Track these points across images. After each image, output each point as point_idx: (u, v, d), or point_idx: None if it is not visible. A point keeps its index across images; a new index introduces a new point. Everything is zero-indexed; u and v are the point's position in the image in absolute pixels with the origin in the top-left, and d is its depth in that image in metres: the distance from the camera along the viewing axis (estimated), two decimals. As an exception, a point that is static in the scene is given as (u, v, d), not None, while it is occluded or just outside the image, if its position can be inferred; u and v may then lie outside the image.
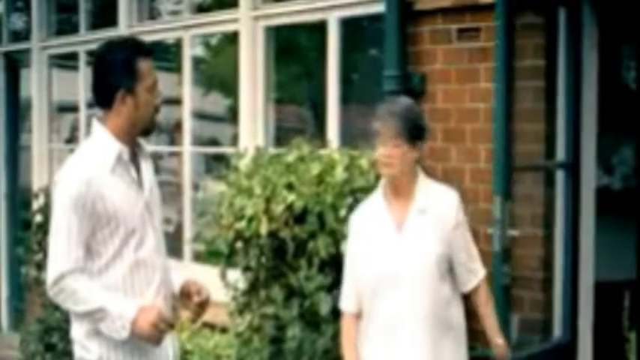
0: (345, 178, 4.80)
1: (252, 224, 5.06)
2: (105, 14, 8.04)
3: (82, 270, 3.35)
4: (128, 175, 3.46)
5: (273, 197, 4.98)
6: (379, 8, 5.32)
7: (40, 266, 7.25)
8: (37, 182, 8.80)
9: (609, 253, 5.45)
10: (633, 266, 6.41)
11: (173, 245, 6.33)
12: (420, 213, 3.54)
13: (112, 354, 3.41)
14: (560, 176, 5.09)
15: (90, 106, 8.11)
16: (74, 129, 8.89)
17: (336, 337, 4.78)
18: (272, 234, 4.99)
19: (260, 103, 6.48)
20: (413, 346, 3.49)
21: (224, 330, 5.74)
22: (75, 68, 8.50)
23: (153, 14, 7.87)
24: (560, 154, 5.05)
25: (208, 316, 3.73)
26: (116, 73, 3.40)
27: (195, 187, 7.31)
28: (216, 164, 7.28)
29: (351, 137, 5.63)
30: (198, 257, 6.96)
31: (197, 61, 7.50)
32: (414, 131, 3.54)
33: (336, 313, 4.78)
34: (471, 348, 3.81)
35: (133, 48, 3.47)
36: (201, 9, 7.35)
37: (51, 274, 3.36)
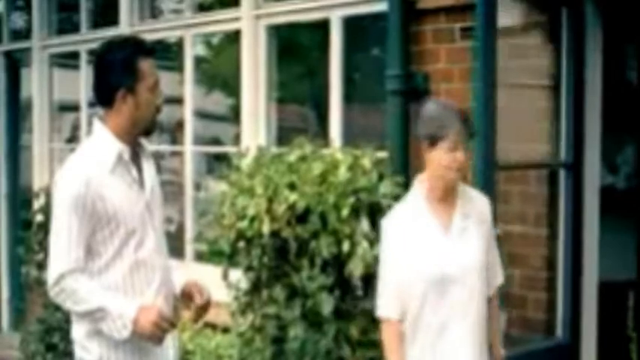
0: (347, 178, 4.78)
1: (254, 224, 5.04)
2: (106, 13, 8.02)
3: (83, 270, 3.34)
4: (129, 175, 3.44)
5: (275, 197, 4.96)
6: (382, 7, 5.30)
7: (41, 266, 7.24)
8: (37, 182, 8.78)
9: (613, 253, 5.44)
10: (634, 266, 6.41)
11: (175, 245, 6.32)
12: (464, 217, 3.52)
13: (113, 354, 3.41)
14: (562, 176, 5.08)
15: (91, 105, 8.09)
16: (75, 128, 8.87)
17: (338, 337, 4.78)
18: (274, 234, 4.97)
19: (262, 103, 6.46)
20: (461, 349, 3.47)
21: (226, 330, 5.72)
22: (76, 67, 8.47)
23: (154, 13, 7.84)
24: (563, 153, 5.04)
25: (210, 316, 3.72)
26: (117, 72, 3.39)
27: (197, 187, 7.29)
28: (217, 164, 7.26)
29: (354, 137, 5.60)
30: (199, 257, 6.95)
31: (199, 61, 7.49)
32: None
33: (338, 314, 4.78)
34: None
35: (134, 47, 3.46)
36: (202, 8, 7.32)
37: (51, 274, 3.35)
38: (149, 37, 6.71)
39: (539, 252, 4.96)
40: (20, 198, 9.56)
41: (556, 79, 4.99)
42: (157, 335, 3.33)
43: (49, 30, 8.93)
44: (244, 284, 5.32)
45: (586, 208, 5.09)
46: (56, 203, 3.39)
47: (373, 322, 4.77)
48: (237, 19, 6.58)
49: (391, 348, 3.51)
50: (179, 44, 7.33)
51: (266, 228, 4.97)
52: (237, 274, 5.37)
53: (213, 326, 5.87)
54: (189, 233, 7.06)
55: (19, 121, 9.81)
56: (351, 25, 5.90)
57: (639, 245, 6.60)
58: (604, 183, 5.73)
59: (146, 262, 3.46)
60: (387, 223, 3.58)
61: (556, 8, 4.96)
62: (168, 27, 7.46)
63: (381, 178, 4.83)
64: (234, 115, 7.06)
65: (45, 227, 7.04)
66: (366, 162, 4.89)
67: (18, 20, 9.69)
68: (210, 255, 6.31)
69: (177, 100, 7.17)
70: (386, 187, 4.76)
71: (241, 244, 5.23)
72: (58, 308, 6.70)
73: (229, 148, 6.76)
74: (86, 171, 3.34)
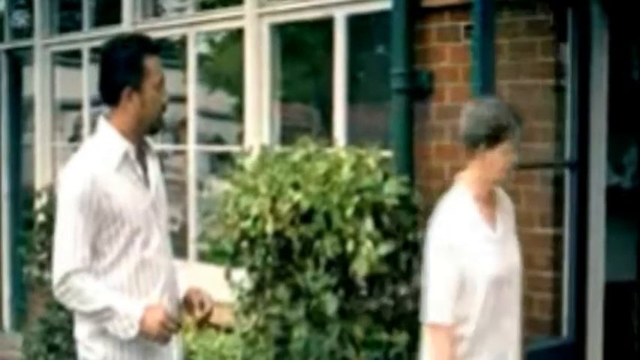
0: (351, 177, 4.76)
1: (258, 223, 5.02)
2: (109, 11, 8.00)
3: (88, 269, 3.32)
4: (134, 173, 3.42)
5: (279, 196, 4.95)
6: (386, 5, 5.29)
7: (43, 266, 7.22)
8: (39, 181, 8.76)
9: (618, 253, 5.42)
10: (634, 266, 6.41)
11: (178, 245, 6.29)
12: (504, 216, 3.51)
13: (117, 354, 3.39)
14: (567, 175, 5.06)
15: (94, 104, 8.09)
16: (77, 127, 8.84)
17: (342, 337, 4.76)
18: (278, 233, 4.95)
19: (265, 101, 6.45)
20: (511, 346, 3.48)
21: (229, 330, 5.70)
22: (78, 66, 8.46)
23: (157, 11, 7.83)
24: (568, 153, 5.02)
25: (213, 316, 3.69)
26: (122, 70, 3.38)
27: (200, 186, 7.28)
28: (221, 163, 7.25)
29: (358, 136, 5.58)
30: (203, 257, 6.93)
31: (202, 59, 7.47)
32: None
33: (342, 314, 4.76)
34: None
35: (139, 45, 3.44)
36: (205, 6, 7.31)
37: (57, 273, 3.33)
38: (152, 35, 6.63)
39: (545, 252, 4.94)
40: (22, 197, 9.55)
41: (561, 79, 4.96)
42: (163, 335, 3.33)
43: (51, 28, 8.91)
44: (248, 284, 5.30)
45: (591, 207, 5.08)
46: (61, 202, 3.37)
47: (377, 323, 4.77)
48: (240, 17, 6.57)
49: (444, 354, 3.39)
50: (182, 42, 7.31)
51: (270, 228, 4.95)
52: (240, 274, 5.35)
53: (216, 327, 5.84)
54: (192, 233, 7.04)
55: (21, 120, 9.79)
56: (356, 23, 5.89)
57: (639, 245, 6.60)
58: (610, 183, 5.70)
59: (151, 261, 3.44)
60: (442, 231, 3.42)
61: (562, 8, 4.94)
62: (171, 25, 7.44)
63: (385, 177, 4.82)
64: (237, 114, 7.04)
65: (47, 227, 7.02)
66: (371, 161, 4.87)
67: (20, 18, 9.68)
68: (213, 255, 6.30)
69: (181, 99, 7.15)
70: (390, 187, 4.74)
71: (245, 243, 5.21)
72: (60, 308, 6.70)
73: (233, 147, 6.75)
74: (92, 169, 3.33)
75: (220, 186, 6.28)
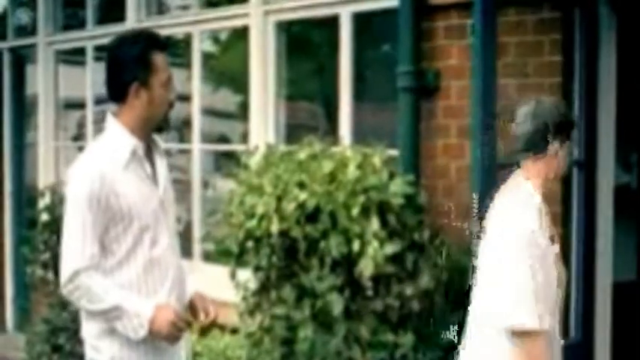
0: (357, 176, 4.74)
1: (263, 223, 5.00)
2: (113, 9, 7.98)
3: (97, 267, 3.30)
4: (142, 170, 3.40)
5: (284, 195, 4.92)
6: (393, 3, 5.28)
7: (46, 265, 7.19)
8: (43, 180, 8.73)
9: (624, 253, 5.41)
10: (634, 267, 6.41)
11: (182, 244, 6.25)
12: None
13: (125, 354, 3.37)
14: (575, 174, 5.03)
15: (97, 102, 8.06)
16: (81, 126, 8.81)
17: (348, 337, 4.73)
18: (283, 233, 4.93)
19: (271, 100, 6.43)
20: (559, 347, 3.35)
21: (234, 331, 5.68)
22: (82, 64, 8.44)
23: (161, 9, 7.82)
24: (576, 151, 4.99)
25: (218, 317, 3.67)
26: (130, 66, 3.34)
27: (205, 185, 7.27)
28: (226, 162, 7.23)
29: (364, 134, 5.55)
30: (208, 257, 6.92)
31: (206, 57, 7.45)
32: None
33: (348, 314, 4.73)
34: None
35: (148, 41, 3.42)
36: (210, 4, 7.30)
37: (65, 271, 3.30)
38: (156, 33, 6.66)
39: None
40: (25, 196, 9.52)
41: (569, 78, 4.94)
42: (173, 335, 3.31)
43: (54, 26, 8.89)
44: (253, 284, 5.28)
45: (600, 207, 5.05)
46: (69, 199, 3.34)
47: (383, 323, 4.74)
48: (245, 15, 6.55)
49: None
50: (187, 41, 7.29)
51: (275, 227, 4.92)
52: (245, 274, 5.33)
53: (221, 327, 5.82)
54: (197, 232, 7.02)
55: (24, 119, 9.76)
56: (362, 21, 5.87)
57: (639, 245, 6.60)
58: (619, 182, 5.68)
59: (160, 260, 3.41)
60: (525, 230, 3.15)
61: (569, 8, 4.92)
62: (175, 23, 7.41)
63: (391, 176, 4.80)
64: (242, 113, 7.02)
65: (50, 226, 6.99)
66: (377, 160, 4.85)
67: (23, 16, 9.65)
68: (218, 254, 6.28)
69: (185, 97, 7.13)
70: (396, 186, 4.72)
71: (250, 243, 5.19)
72: (64, 308, 6.67)
73: (237, 146, 6.74)
74: (100, 167, 3.30)
75: (225, 185, 6.27)
